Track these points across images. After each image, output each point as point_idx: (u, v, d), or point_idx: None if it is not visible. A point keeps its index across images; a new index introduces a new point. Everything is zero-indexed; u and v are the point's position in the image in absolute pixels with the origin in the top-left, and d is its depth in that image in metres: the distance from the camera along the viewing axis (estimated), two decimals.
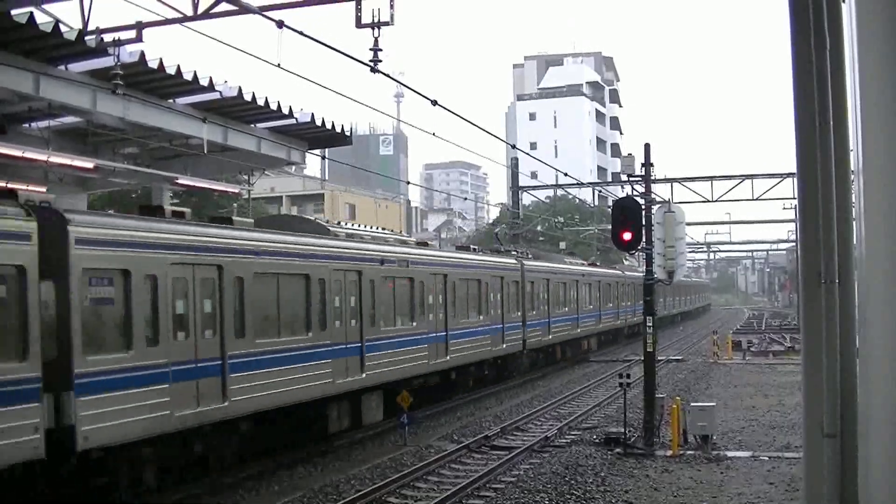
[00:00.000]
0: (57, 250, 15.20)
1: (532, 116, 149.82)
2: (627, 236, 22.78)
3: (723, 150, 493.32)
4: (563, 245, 75.97)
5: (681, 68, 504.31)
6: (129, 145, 27.65)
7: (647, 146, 26.39)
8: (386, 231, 34.43)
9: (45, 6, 18.90)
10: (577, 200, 79.85)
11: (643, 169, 26.43)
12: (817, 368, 6.08)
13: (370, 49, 16.98)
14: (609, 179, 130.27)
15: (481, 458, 23.47)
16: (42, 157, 21.94)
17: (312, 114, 29.05)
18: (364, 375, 24.95)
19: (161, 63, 22.26)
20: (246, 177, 37.08)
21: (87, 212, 20.60)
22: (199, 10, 16.98)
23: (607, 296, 58.00)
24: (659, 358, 39.36)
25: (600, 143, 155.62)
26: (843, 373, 5.96)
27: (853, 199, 6.05)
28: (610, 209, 32.94)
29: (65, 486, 15.96)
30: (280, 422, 21.93)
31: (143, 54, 21.57)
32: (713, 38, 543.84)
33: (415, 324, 28.45)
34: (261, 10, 16.29)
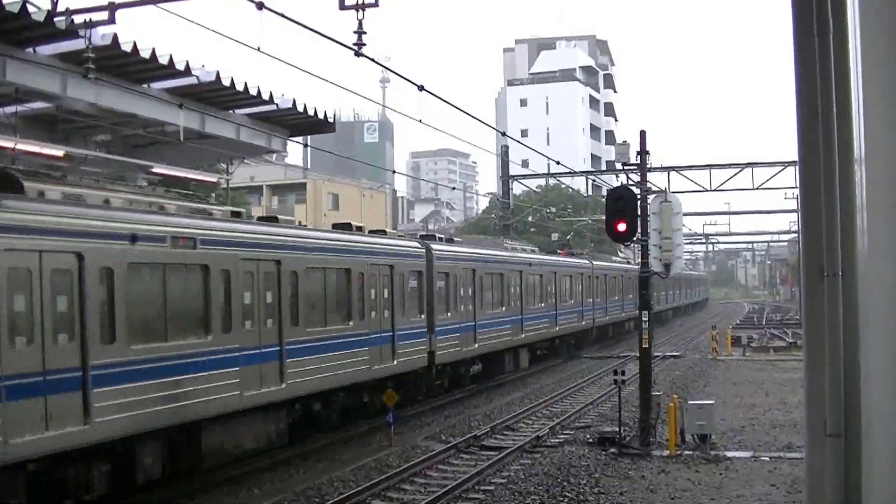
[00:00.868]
0: None
1: (523, 102, 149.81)
2: (622, 227, 22.78)
3: (722, 137, 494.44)
4: (555, 236, 76.15)
5: (678, 52, 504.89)
6: (101, 132, 27.55)
7: (642, 133, 26.42)
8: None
9: None
10: (570, 190, 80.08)
11: (639, 157, 26.46)
12: (820, 365, 6.09)
13: (354, 32, 16.98)
14: (603, 168, 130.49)
15: (470, 458, 23.49)
16: (9, 144, 21.82)
17: (294, 99, 29.03)
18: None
19: (135, 46, 22.19)
20: (224, 165, 37.00)
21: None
22: None
23: (570, 291, 50.80)
24: (655, 354, 39.49)
25: (594, 130, 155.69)
26: (846, 370, 5.96)
27: (857, 189, 6.06)
28: (604, 199, 33.01)
29: None
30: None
31: (115, 37, 21.51)
32: (712, 20, 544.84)
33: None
34: None
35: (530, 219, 78.55)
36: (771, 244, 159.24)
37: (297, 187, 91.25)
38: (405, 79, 20.28)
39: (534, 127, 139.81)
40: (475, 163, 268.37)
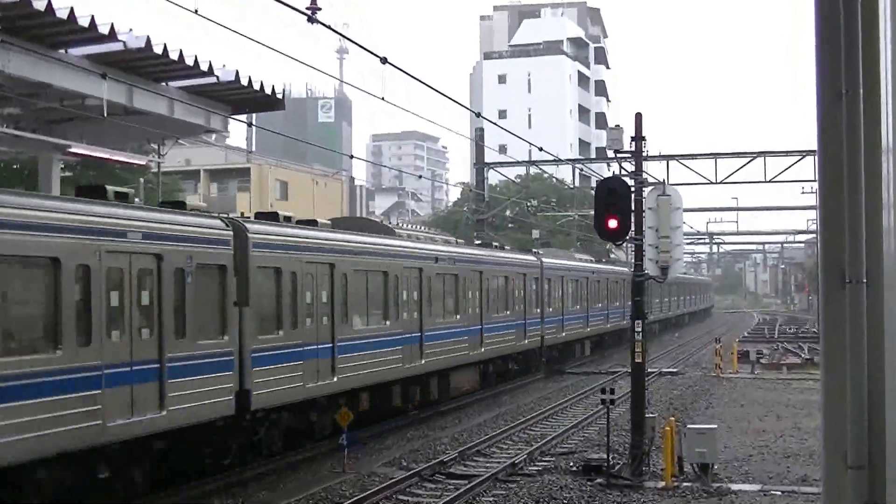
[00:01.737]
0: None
1: (502, 79, 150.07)
2: (613, 224, 22.80)
3: (730, 125, 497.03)
4: (535, 234, 76.22)
5: (682, 23, 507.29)
6: (9, 105, 27.33)
7: (638, 116, 26.45)
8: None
9: None
10: (555, 180, 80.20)
11: (633, 143, 26.49)
12: (840, 385, 6.07)
13: None
14: (593, 156, 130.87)
15: (435, 488, 23.47)
16: None
17: (237, 71, 28.92)
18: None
19: (49, 4, 22.02)
20: (155, 146, 36.87)
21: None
22: None
23: (507, 297, 43.26)
24: (650, 370, 39.58)
25: (583, 111, 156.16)
26: (871, 391, 5.95)
27: (884, 183, 6.04)
28: (593, 191, 33.01)
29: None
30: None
31: None
32: None
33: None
34: None
35: (508, 213, 78.75)
36: (785, 245, 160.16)
37: (240, 173, 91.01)
38: (366, 49, 20.20)
39: (513, 107, 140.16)
40: (445, 148, 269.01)
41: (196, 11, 17.45)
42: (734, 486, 23.12)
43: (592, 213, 25.68)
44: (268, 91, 30.35)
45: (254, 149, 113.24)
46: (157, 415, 20.04)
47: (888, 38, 4.93)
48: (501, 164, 68.30)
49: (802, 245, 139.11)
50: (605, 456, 24.51)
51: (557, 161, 58.09)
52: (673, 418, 26.61)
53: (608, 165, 61.86)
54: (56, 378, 17.55)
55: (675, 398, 39.68)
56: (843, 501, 6.06)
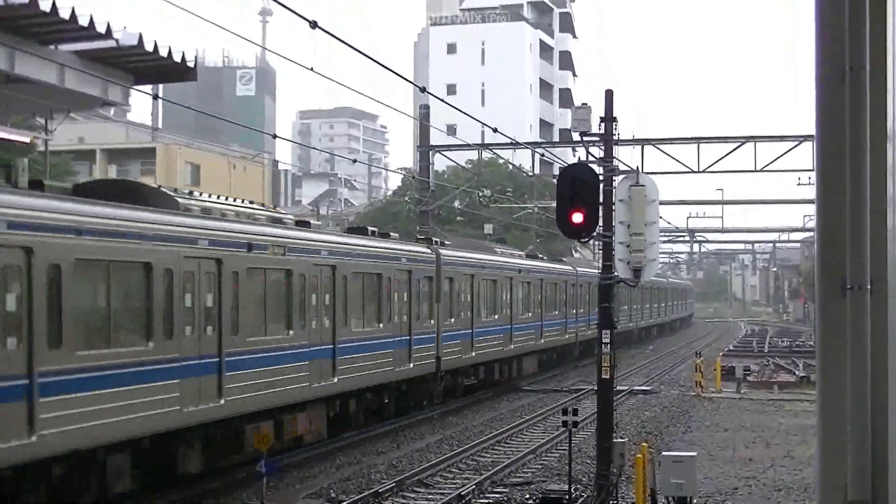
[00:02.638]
0: None
1: (451, 48, 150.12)
2: (578, 218, 22.75)
3: (716, 104, 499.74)
4: (488, 229, 76.24)
5: None
6: None
7: (609, 93, 26.51)
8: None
9: None
10: (511, 167, 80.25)
11: (603, 125, 26.55)
12: (839, 407, 6.11)
13: None
14: (556, 139, 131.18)
15: None
16: None
17: (140, 34, 28.75)
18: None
19: None
20: (42, 121, 36.58)
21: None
22: None
23: (379, 304, 36.35)
24: (620, 388, 39.69)
25: (545, 87, 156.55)
26: (874, 414, 5.99)
27: (888, 177, 6.08)
28: (555, 179, 33.07)
29: None
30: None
31: None
32: None
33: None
34: None
35: (457, 204, 78.77)
36: (777, 245, 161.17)
37: (144, 153, 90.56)
38: (293, 11, 20.13)
39: (464, 82, 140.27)
40: (385, 127, 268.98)
41: None
42: None
43: (554, 205, 25.66)
44: (177, 58, 30.22)
45: (160, 125, 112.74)
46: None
47: None
48: (450, 147, 68.28)
49: (798, 245, 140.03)
50: (566, 487, 24.60)
51: (515, 144, 57.96)
52: (646, 444, 26.67)
53: (573, 150, 61.98)
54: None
55: (649, 420, 39.84)
56: None
